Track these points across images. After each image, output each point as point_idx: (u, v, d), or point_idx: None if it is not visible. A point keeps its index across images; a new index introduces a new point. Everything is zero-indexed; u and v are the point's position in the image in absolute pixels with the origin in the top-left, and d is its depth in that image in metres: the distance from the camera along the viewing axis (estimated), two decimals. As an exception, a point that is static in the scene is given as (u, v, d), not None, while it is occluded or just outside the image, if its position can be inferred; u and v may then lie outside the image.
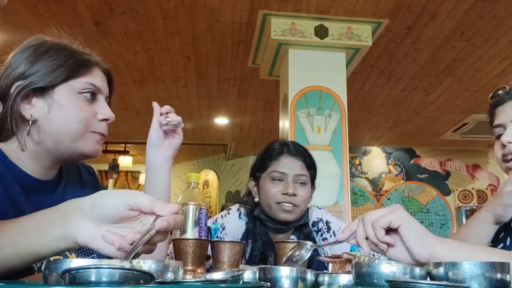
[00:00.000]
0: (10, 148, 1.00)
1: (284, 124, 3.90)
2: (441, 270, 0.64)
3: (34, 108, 0.99)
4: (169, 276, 0.62)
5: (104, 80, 1.10)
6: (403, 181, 7.43)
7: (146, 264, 0.61)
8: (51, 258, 0.60)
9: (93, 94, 1.05)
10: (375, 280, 0.67)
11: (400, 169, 7.48)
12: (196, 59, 4.41)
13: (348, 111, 3.80)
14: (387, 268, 0.66)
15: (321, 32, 3.75)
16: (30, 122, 0.98)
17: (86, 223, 0.66)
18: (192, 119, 6.10)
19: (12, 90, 0.97)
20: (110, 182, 8.50)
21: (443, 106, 5.51)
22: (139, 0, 3.47)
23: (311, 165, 1.66)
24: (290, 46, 3.79)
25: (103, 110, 1.06)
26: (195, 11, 3.62)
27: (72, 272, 0.53)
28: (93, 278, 0.53)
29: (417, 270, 0.66)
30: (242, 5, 3.55)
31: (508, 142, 1.10)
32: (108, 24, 3.76)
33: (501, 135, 1.13)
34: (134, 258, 0.63)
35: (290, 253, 0.91)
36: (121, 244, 0.64)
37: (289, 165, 1.61)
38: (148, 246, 0.67)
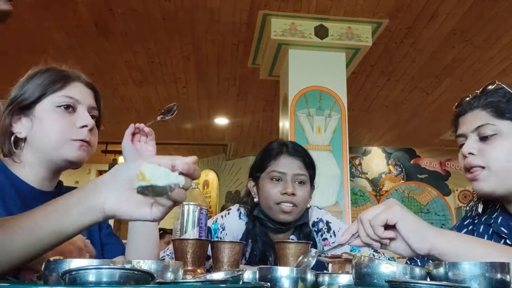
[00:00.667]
0: (12, 161, 1.12)
1: (284, 124, 3.90)
2: (441, 270, 0.64)
3: (23, 126, 1.12)
4: (169, 276, 0.62)
5: (86, 92, 1.18)
6: (403, 181, 7.43)
7: (146, 264, 0.61)
8: (51, 258, 0.60)
9: (72, 106, 1.14)
10: (375, 280, 0.67)
11: (400, 169, 7.48)
12: (196, 59, 4.41)
13: (348, 111, 3.80)
14: (387, 268, 0.66)
15: (321, 32, 3.75)
16: (13, 138, 1.11)
17: (111, 191, 0.70)
18: (192, 119, 6.10)
19: (6, 113, 1.12)
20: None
21: (443, 106, 5.51)
22: (139, 0, 3.47)
23: (310, 165, 1.66)
24: (290, 46, 3.79)
25: (82, 118, 1.14)
26: (195, 11, 3.62)
27: (73, 273, 0.54)
28: (93, 279, 0.53)
29: (417, 270, 0.66)
30: (242, 5, 3.55)
31: (469, 153, 1.12)
32: (108, 24, 3.76)
33: (463, 144, 1.15)
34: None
35: (297, 261, 0.94)
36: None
37: (288, 165, 1.61)
38: (169, 202, 0.70)
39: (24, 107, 1.11)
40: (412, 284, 0.57)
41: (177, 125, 6.31)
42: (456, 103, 1.24)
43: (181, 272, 0.64)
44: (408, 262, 1.26)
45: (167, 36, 3.97)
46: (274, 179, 1.60)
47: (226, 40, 4.06)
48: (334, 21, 3.75)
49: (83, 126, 1.13)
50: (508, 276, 0.62)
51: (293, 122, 3.68)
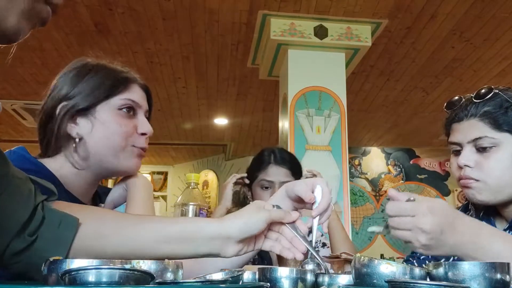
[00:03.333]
0: (56, 166, 1.03)
1: (284, 124, 3.90)
2: (441, 270, 0.64)
3: (78, 127, 1.04)
4: (169, 276, 0.62)
5: (143, 95, 1.14)
6: (403, 181, 7.43)
7: (146, 264, 0.61)
8: (51, 258, 0.60)
9: (133, 110, 1.09)
10: (374, 280, 0.67)
11: (399, 169, 7.49)
12: (196, 59, 4.41)
13: (348, 112, 3.80)
14: (386, 268, 0.66)
15: (320, 32, 3.75)
16: (77, 140, 1.03)
17: (233, 243, 0.79)
18: (192, 120, 6.10)
19: (57, 111, 1.03)
20: (110, 182, 8.48)
21: (442, 106, 5.47)
22: (138, 0, 3.47)
23: (297, 171, 1.84)
24: (290, 46, 3.79)
25: (143, 125, 1.10)
26: (194, 12, 3.62)
27: (73, 273, 0.54)
28: (93, 279, 0.53)
29: (417, 270, 0.66)
30: (242, 6, 3.55)
31: (465, 165, 1.10)
32: (107, 24, 3.76)
33: (457, 151, 1.14)
34: None
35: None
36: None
37: (275, 174, 1.79)
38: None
39: (81, 108, 1.04)
40: (412, 284, 0.57)
41: (176, 125, 6.31)
42: (446, 103, 1.20)
43: (181, 272, 0.64)
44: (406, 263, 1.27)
45: (166, 36, 3.97)
46: (264, 188, 1.79)
47: (225, 40, 4.06)
48: (333, 21, 3.75)
49: (143, 134, 1.09)
50: (508, 276, 0.62)
51: (293, 122, 3.68)
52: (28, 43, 3.97)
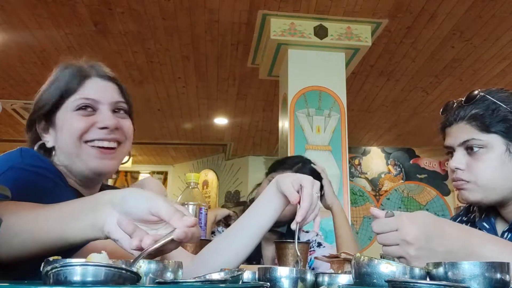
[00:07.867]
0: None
1: (284, 124, 3.90)
2: (441, 270, 0.64)
3: (50, 136, 1.05)
4: (169, 276, 0.62)
5: (107, 87, 1.06)
6: (403, 181, 7.43)
7: (145, 264, 0.61)
8: (50, 258, 0.60)
9: (90, 107, 1.03)
10: (374, 280, 0.67)
11: (399, 169, 7.48)
12: (196, 59, 4.41)
13: (348, 111, 3.80)
14: (386, 268, 0.66)
15: (320, 32, 3.75)
16: (38, 145, 1.04)
17: (115, 214, 0.69)
18: (192, 119, 6.10)
19: (36, 123, 1.06)
20: (110, 182, 8.48)
21: (442, 106, 5.50)
22: (138, 0, 3.47)
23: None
24: (290, 46, 3.79)
25: (103, 118, 1.02)
26: (194, 11, 3.62)
27: (58, 268, 0.53)
28: (78, 276, 0.53)
29: (417, 270, 0.66)
30: (242, 5, 3.55)
31: (456, 168, 1.13)
32: (107, 24, 3.76)
33: (451, 154, 1.18)
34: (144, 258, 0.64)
35: None
36: (136, 246, 0.65)
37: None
38: (159, 251, 0.68)
39: (46, 116, 1.04)
40: (411, 284, 0.57)
41: (176, 125, 6.31)
42: (442, 109, 1.23)
43: (181, 272, 0.64)
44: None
45: (166, 36, 3.97)
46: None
47: (225, 40, 4.06)
48: (333, 21, 3.75)
49: (103, 128, 1.01)
50: (507, 276, 0.62)
51: (293, 122, 3.68)
52: (28, 43, 3.97)
